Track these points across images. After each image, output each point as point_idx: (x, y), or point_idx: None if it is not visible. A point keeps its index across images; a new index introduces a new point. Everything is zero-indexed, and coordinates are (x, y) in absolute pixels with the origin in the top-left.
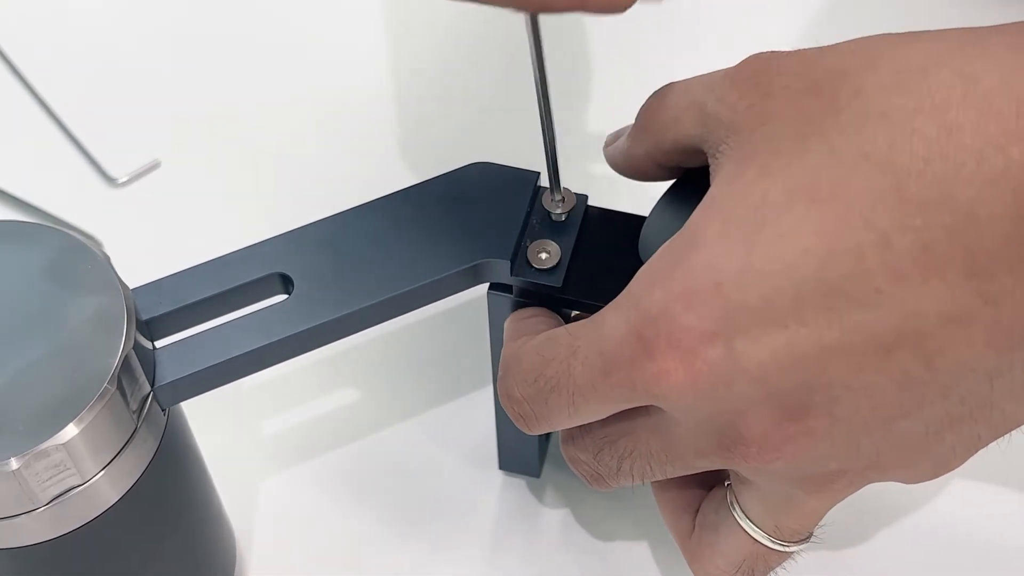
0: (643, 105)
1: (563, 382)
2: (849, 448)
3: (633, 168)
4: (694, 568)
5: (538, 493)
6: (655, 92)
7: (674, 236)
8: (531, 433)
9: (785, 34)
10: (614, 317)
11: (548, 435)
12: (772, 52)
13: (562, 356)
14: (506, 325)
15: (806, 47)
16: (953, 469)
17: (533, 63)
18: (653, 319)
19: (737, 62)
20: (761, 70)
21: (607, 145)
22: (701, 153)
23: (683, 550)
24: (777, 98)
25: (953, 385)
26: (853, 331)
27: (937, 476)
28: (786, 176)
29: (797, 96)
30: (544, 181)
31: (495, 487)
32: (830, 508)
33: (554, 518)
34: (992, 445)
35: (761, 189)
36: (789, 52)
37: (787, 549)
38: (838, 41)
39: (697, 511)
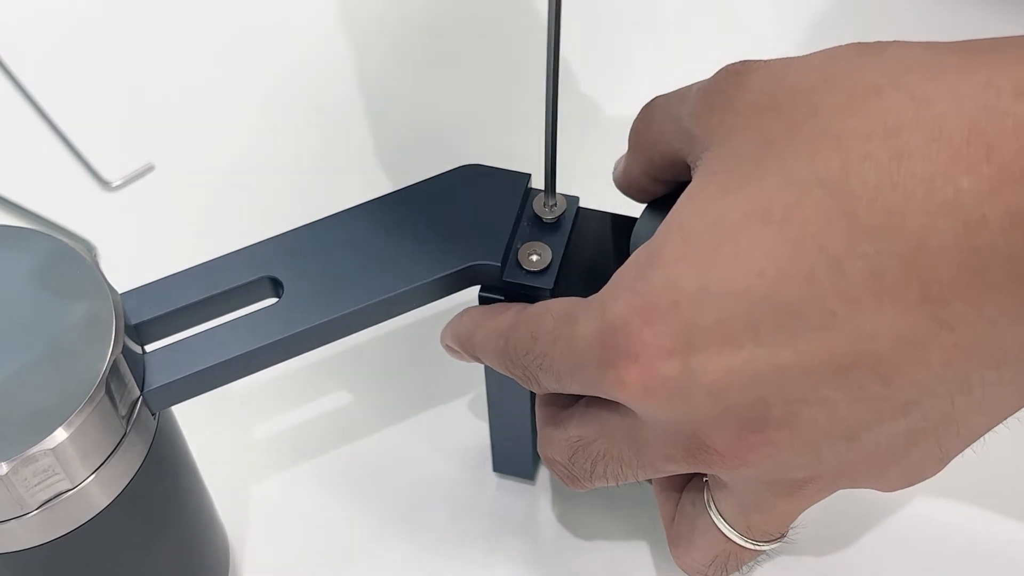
0: (632, 124)
1: (547, 362)
2: (812, 458)
3: (635, 188)
4: (673, 553)
5: (532, 495)
6: (641, 109)
7: (642, 246)
8: (535, 390)
9: (780, 38)
10: (585, 316)
11: None
12: (744, 64)
13: (547, 338)
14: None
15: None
16: (928, 478)
17: (548, 56)
18: (615, 329)
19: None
20: (730, 84)
21: (614, 171)
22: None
23: (666, 533)
24: (742, 114)
25: (913, 402)
26: (807, 352)
27: (911, 485)
28: (743, 196)
29: (760, 113)
30: (535, 183)
31: (489, 490)
32: (802, 511)
33: (548, 520)
34: (967, 451)
35: (719, 208)
36: (759, 65)
37: (758, 548)
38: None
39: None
